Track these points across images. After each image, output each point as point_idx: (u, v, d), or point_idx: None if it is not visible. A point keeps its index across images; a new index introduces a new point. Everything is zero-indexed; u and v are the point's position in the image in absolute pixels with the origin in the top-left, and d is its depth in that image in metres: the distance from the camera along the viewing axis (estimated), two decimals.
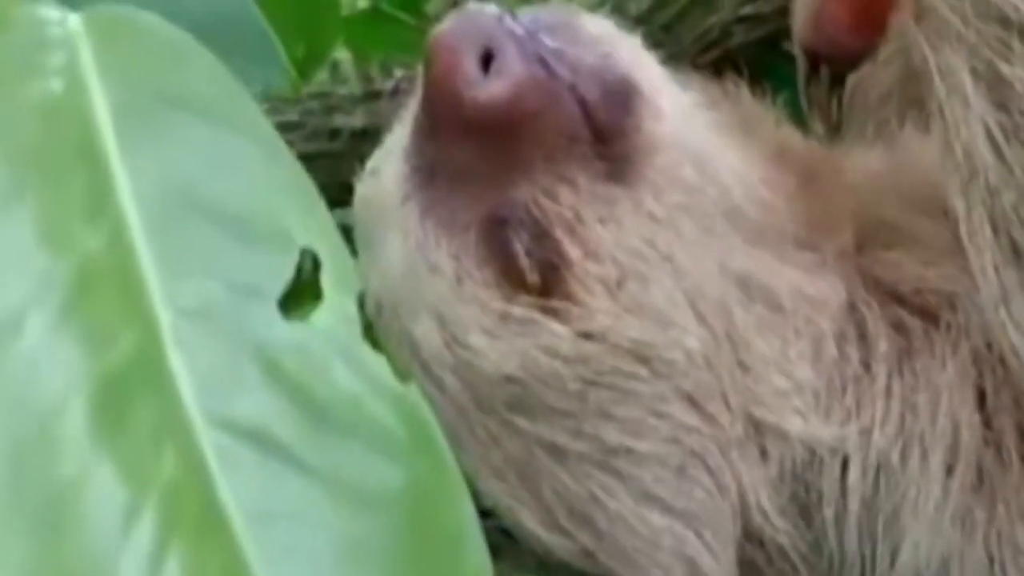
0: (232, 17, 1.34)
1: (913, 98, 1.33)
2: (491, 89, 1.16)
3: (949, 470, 1.14)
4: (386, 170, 1.21)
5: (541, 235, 1.16)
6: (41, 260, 0.85)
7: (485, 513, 1.12)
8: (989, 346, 1.16)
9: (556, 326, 1.14)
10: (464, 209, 1.17)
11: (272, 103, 1.58)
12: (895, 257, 1.21)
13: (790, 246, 1.20)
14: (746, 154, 1.21)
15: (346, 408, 0.86)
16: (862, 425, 1.16)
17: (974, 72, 1.11)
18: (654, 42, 1.25)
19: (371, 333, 0.94)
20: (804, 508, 1.16)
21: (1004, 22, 1.10)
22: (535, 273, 1.15)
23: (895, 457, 1.15)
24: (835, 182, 1.25)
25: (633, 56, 1.21)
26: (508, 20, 1.17)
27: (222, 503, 0.82)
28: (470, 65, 1.16)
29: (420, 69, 1.20)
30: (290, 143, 1.57)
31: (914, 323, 1.18)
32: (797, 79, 1.37)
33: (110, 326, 0.84)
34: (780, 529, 1.16)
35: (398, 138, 1.22)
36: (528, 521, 1.18)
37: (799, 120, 1.34)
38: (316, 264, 0.89)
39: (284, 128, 1.57)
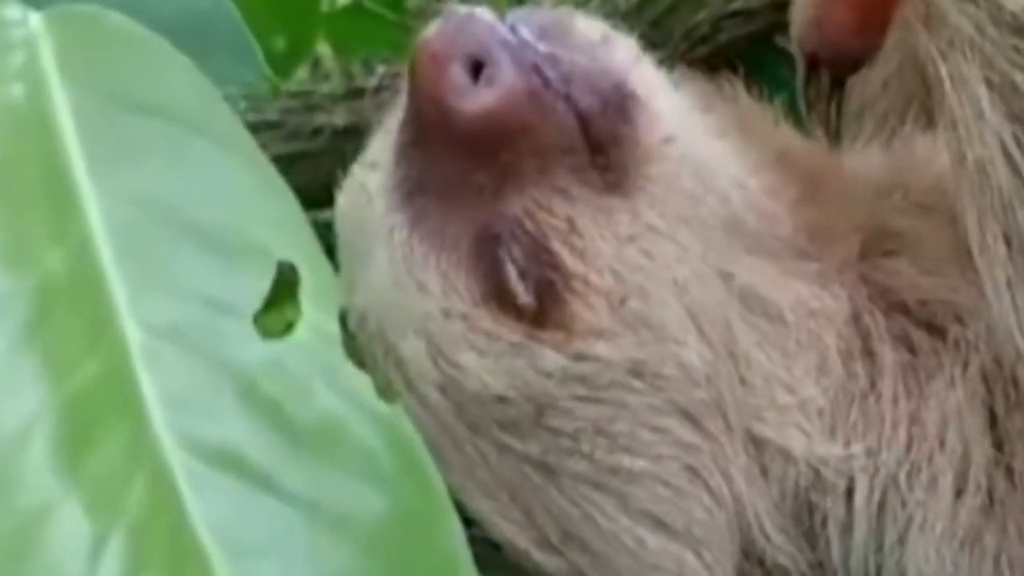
0: (206, 13, 1.30)
1: (912, 92, 1.31)
2: (481, 99, 1.12)
3: (958, 493, 1.12)
4: (371, 181, 1.18)
5: (536, 250, 1.13)
6: None
7: (469, 522, 1.11)
8: (999, 363, 1.13)
9: (549, 351, 1.11)
10: (453, 224, 1.14)
11: (251, 102, 1.56)
12: (899, 264, 1.19)
13: (792, 256, 1.17)
14: (746, 159, 1.18)
15: (327, 430, 0.83)
16: (868, 445, 1.13)
17: (989, 83, 1.08)
18: (642, 38, 1.22)
19: (352, 349, 0.91)
20: (807, 528, 1.14)
21: (1020, 31, 1.07)
22: (529, 295, 1.13)
23: (903, 479, 1.12)
24: (837, 187, 1.22)
25: (629, 59, 1.18)
26: (500, 27, 1.14)
27: (194, 533, 0.81)
28: (458, 74, 1.12)
29: (404, 69, 1.16)
30: (270, 142, 1.57)
31: (921, 337, 1.16)
32: (793, 79, 1.34)
33: (74, 348, 0.82)
34: (782, 549, 1.13)
35: (383, 147, 1.18)
36: (520, 540, 1.15)
37: (797, 121, 1.32)
38: (294, 274, 0.86)
39: (264, 127, 1.56)
